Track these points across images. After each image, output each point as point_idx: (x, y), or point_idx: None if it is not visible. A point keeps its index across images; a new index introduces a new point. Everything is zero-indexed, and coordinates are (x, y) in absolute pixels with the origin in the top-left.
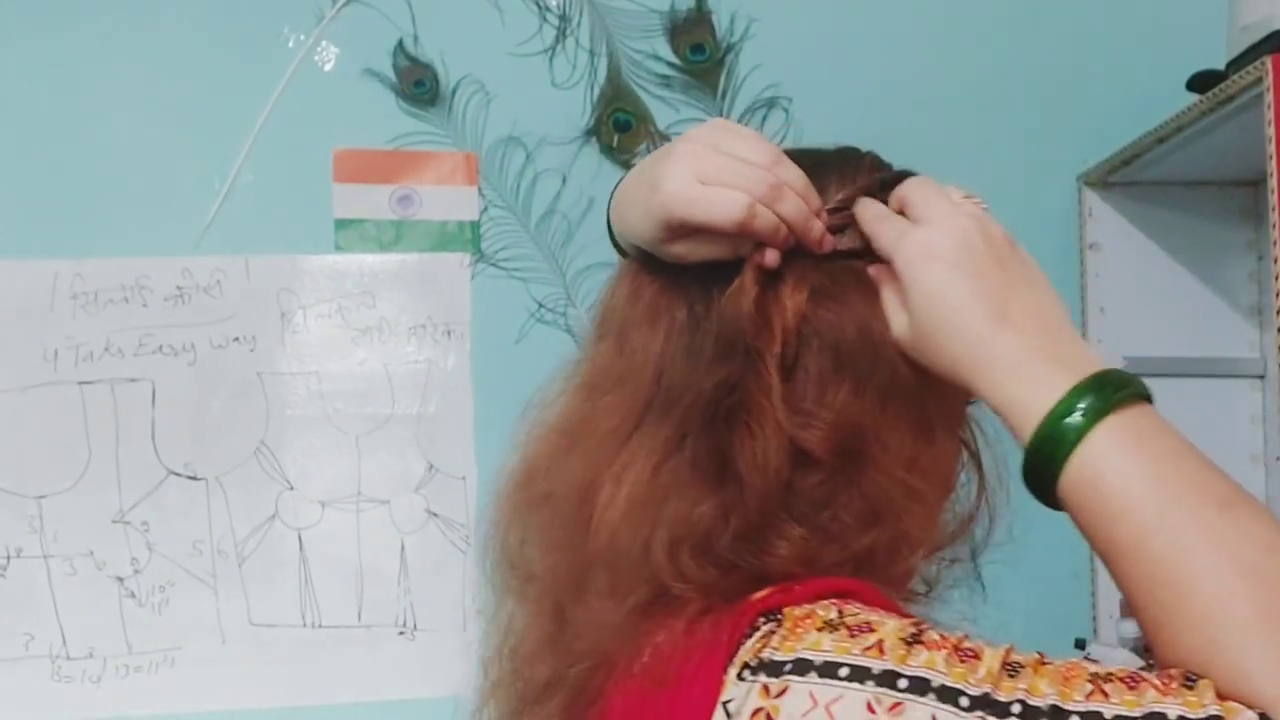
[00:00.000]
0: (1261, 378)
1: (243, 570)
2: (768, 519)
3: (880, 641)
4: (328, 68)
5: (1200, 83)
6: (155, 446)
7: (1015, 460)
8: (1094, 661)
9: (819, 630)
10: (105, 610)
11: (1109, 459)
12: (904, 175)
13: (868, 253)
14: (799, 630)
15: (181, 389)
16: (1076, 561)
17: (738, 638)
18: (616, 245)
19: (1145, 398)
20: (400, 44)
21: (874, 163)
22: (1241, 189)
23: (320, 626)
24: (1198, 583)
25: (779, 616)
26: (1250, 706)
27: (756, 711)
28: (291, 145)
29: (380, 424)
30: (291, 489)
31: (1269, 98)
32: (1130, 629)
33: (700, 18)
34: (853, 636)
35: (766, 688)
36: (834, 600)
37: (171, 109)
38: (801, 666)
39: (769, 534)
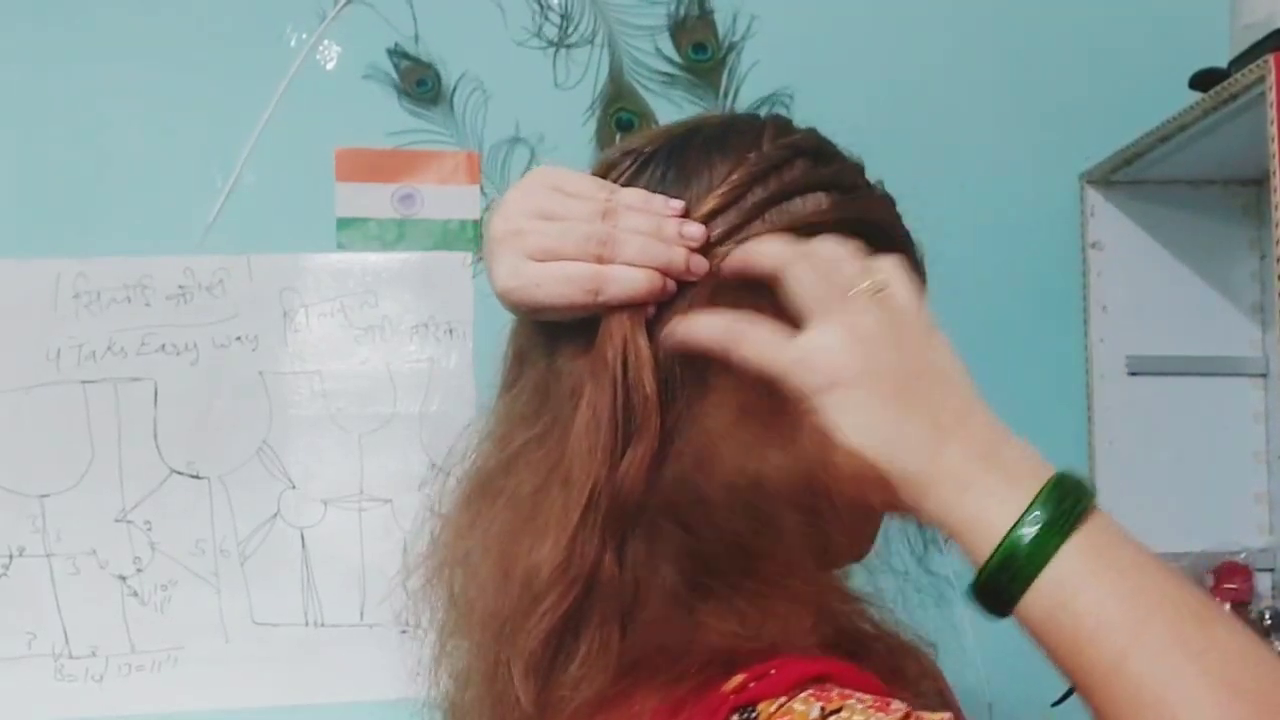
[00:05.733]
0: (1264, 376)
1: (245, 569)
2: (682, 590)
3: None
4: (329, 67)
5: (1202, 81)
6: (158, 446)
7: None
8: None
9: None
10: (108, 609)
11: (1078, 580)
12: (805, 139)
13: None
14: None
15: (184, 388)
16: None
17: None
18: None
19: (1093, 498)
20: (402, 43)
21: (775, 130)
22: (1244, 187)
23: (323, 625)
24: (1187, 704)
25: (754, 713)
26: None
27: None
28: (293, 144)
29: (383, 423)
30: (294, 488)
31: (1271, 96)
32: None
33: (702, 16)
34: None
35: None
36: (813, 691)
37: (173, 108)
38: None
39: (694, 605)
